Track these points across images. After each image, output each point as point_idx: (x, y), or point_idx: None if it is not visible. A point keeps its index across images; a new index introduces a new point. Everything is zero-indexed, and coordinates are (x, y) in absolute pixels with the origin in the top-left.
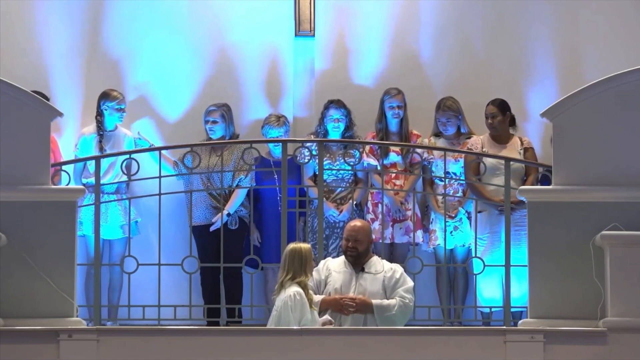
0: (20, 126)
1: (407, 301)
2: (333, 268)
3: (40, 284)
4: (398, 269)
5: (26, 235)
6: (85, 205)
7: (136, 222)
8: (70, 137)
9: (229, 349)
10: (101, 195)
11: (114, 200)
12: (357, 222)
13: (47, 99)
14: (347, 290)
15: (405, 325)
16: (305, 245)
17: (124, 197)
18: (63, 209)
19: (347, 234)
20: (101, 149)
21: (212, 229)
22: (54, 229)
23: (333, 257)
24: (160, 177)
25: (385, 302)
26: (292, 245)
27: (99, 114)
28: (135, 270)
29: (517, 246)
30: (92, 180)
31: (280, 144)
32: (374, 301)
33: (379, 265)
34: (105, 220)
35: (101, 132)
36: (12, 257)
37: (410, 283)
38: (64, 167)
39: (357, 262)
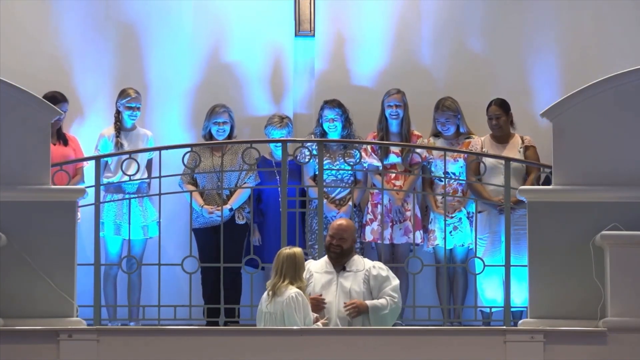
0: (20, 126)
1: (396, 300)
2: (314, 269)
3: (40, 284)
4: (382, 267)
5: (26, 235)
6: (85, 205)
7: (157, 222)
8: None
9: (229, 349)
10: (122, 194)
11: (111, 201)
12: (342, 221)
13: (66, 100)
14: (328, 290)
15: (406, 325)
16: (298, 250)
17: (126, 196)
18: (63, 209)
19: (332, 231)
20: (119, 148)
21: (211, 217)
22: (54, 229)
23: (315, 259)
24: (160, 177)
25: (378, 302)
26: (286, 251)
27: (117, 112)
28: (135, 270)
29: (517, 246)
30: (113, 179)
31: (281, 144)
32: (369, 302)
33: (360, 264)
34: (126, 221)
35: (119, 131)
36: (12, 257)
37: (395, 281)
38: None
39: (339, 261)
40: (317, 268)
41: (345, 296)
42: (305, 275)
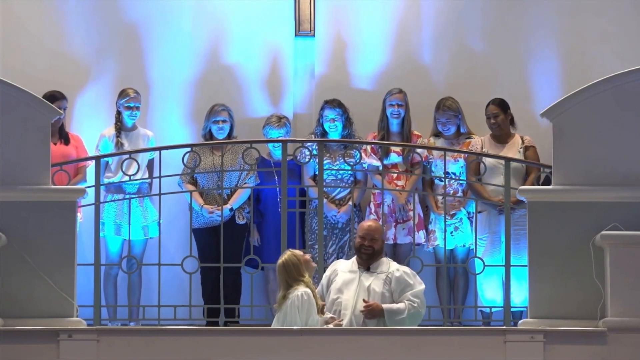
0: (20, 126)
1: (416, 305)
2: (340, 268)
3: (40, 284)
4: (408, 271)
5: (26, 235)
6: (85, 205)
7: (157, 222)
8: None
9: (229, 349)
10: (123, 194)
11: (111, 201)
12: (371, 222)
13: (64, 97)
14: (349, 288)
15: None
16: (284, 256)
17: (126, 196)
18: (63, 209)
19: (363, 232)
20: (120, 148)
21: (211, 217)
22: (54, 229)
23: (345, 259)
24: (160, 177)
25: (395, 306)
26: (278, 262)
27: (118, 112)
28: (135, 271)
29: (516, 246)
30: (113, 179)
31: (280, 145)
32: (385, 306)
33: (385, 266)
34: (127, 221)
35: (119, 131)
36: (12, 257)
37: (420, 286)
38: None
39: (369, 262)
40: (343, 267)
41: (365, 294)
42: (331, 275)
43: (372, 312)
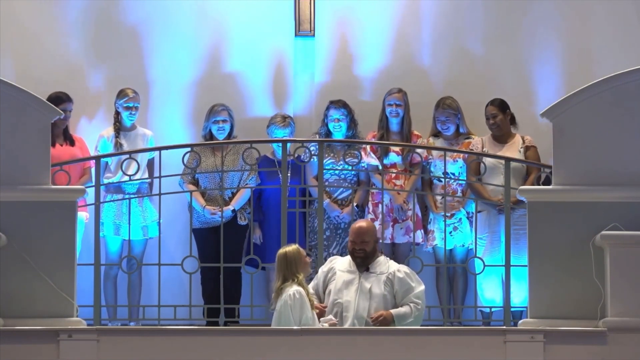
0: (20, 126)
1: (420, 307)
2: (338, 267)
3: (40, 284)
4: (408, 271)
5: (26, 235)
6: (86, 205)
7: (157, 222)
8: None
9: (229, 349)
10: (122, 195)
11: (111, 201)
12: (362, 223)
13: (70, 100)
14: (349, 290)
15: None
16: (289, 248)
17: (126, 196)
18: (63, 209)
19: (353, 235)
20: (119, 148)
21: (212, 218)
22: (54, 229)
23: (342, 256)
24: (160, 177)
25: (402, 310)
26: (278, 252)
27: (116, 112)
28: (135, 271)
29: (516, 246)
30: (113, 179)
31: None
32: (393, 311)
33: (384, 266)
34: (126, 221)
35: (118, 132)
36: (12, 257)
37: (420, 287)
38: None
39: (364, 263)
40: (341, 266)
41: (365, 297)
42: (328, 272)
43: (383, 322)
